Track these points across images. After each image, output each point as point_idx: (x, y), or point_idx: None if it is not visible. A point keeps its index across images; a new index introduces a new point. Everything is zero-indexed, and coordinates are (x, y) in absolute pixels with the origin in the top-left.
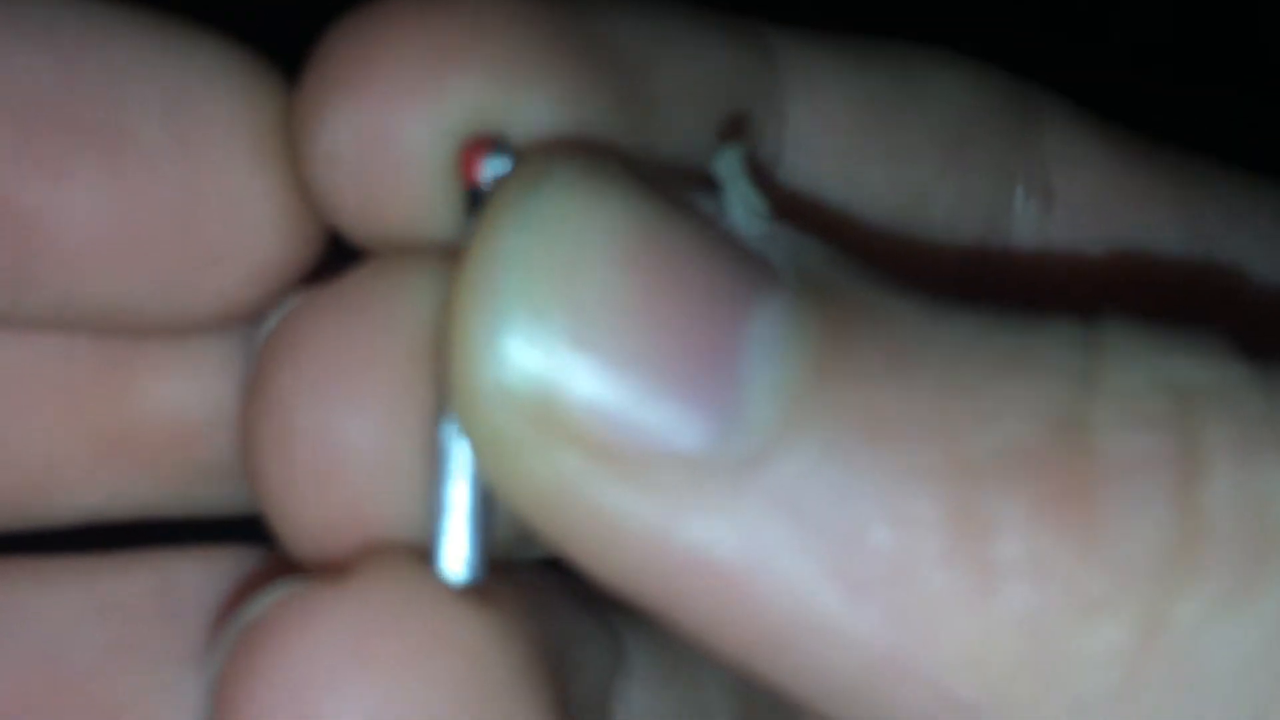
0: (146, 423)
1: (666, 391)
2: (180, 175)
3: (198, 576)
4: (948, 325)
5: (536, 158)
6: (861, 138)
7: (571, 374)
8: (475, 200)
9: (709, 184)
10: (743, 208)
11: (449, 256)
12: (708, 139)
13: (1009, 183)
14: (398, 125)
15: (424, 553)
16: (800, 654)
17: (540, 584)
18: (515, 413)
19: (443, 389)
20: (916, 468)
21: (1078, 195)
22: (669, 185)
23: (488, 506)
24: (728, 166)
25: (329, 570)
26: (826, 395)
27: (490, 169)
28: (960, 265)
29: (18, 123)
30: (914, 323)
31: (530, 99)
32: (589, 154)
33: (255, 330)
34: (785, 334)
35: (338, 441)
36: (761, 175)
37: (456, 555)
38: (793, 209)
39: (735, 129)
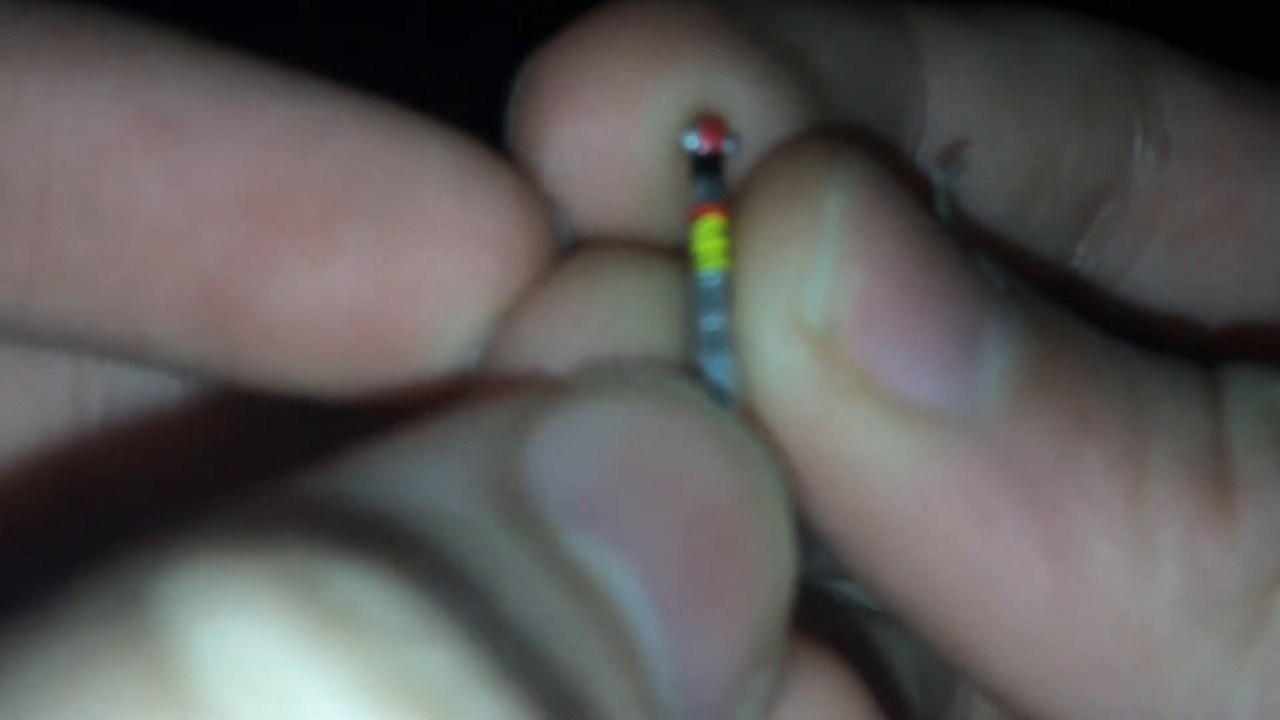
0: None
1: (929, 355)
2: (380, 273)
3: None
4: (1119, 350)
5: (822, 139)
6: (996, 104)
7: (859, 323)
8: (703, 166)
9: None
10: (946, 223)
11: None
12: (859, 116)
13: (1129, 134)
14: (624, 126)
15: None
16: (981, 599)
17: None
18: (805, 339)
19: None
20: (1112, 461)
21: (1192, 141)
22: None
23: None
24: (943, 186)
25: None
26: (1046, 389)
27: (719, 140)
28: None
29: (239, 220)
30: (1098, 345)
31: (739, 89)
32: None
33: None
34: (1012, 333)
35: None
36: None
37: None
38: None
39: (951, 153)
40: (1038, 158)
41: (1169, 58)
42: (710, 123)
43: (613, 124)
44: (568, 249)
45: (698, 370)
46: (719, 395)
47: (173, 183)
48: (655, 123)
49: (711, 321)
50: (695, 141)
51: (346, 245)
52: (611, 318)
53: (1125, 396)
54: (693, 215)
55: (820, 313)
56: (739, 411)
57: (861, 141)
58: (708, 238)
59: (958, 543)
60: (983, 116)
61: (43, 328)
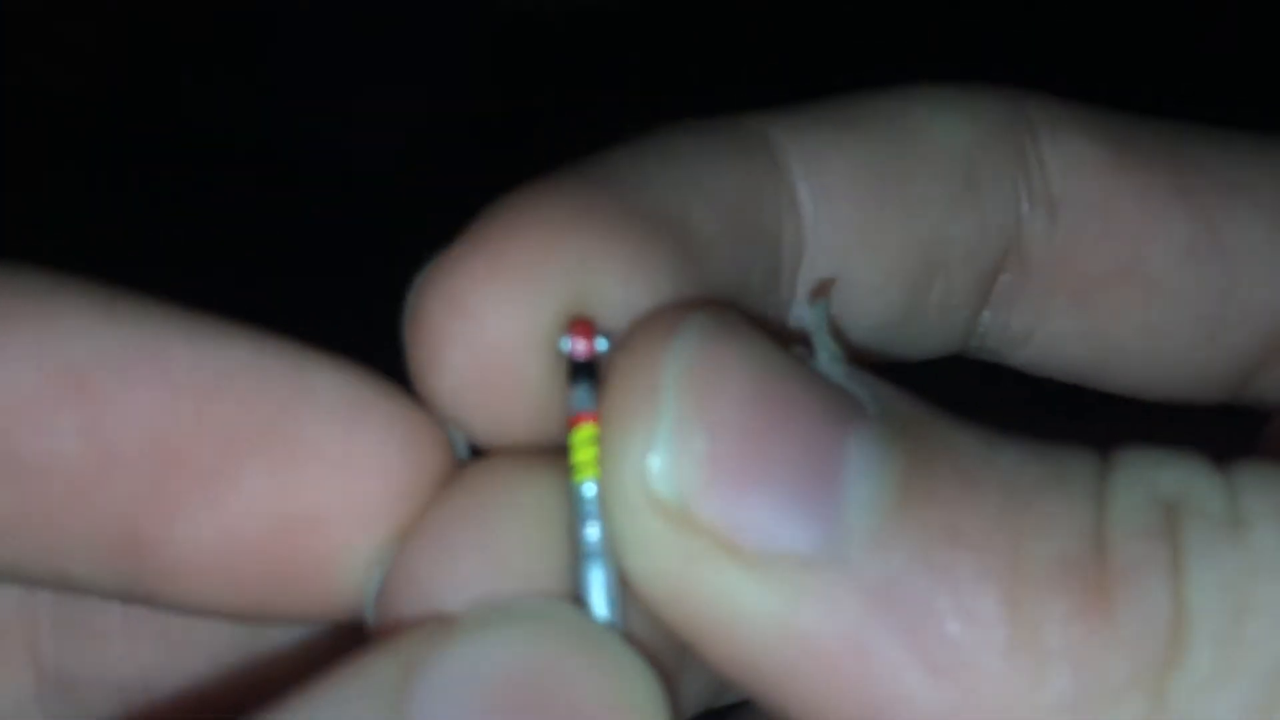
0: None
1: (784, 503)
2: (275, 507)
3: None
4: (998, 453)
5: (668, 311)
6: (874, 205)
7: (708, 487)
8: (576, 372)
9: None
10: (827, 354)
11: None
12: (738, 262)
13: (1015, 203)
14: (506, 336)
15: None
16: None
17: None
18: (660, 514)
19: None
20: (984, 572)
21: (1083, 200)
22: (770, 334)
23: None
24: (814, 320)
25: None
26: (912, 510)
27: (585, 345)
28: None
29: (145, 467)
30: (973, 450)
31: (610, 284)
32: (710, 308)
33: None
34: (876, 457)
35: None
36: (834, 326)
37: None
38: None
39: (821, 290)
40: (926, 246)
41: (1055, 115)
42: (580, 326)
43: (495, 336)
44: (465, 463)
45: (581, 583)
46: (601, 609)
47: (87, 436)
48: (534, 329)
49: (591, 533)
50: (568, 344)
51: (243, 483)
52: (502, 538)
53: (1000, 502)
54: (570, 423)
55: (669, 484)
56: (620, 622)
57: (719, 304)
58: (583, 447)
59: (843, 681)
60: (863, 219)
61: None
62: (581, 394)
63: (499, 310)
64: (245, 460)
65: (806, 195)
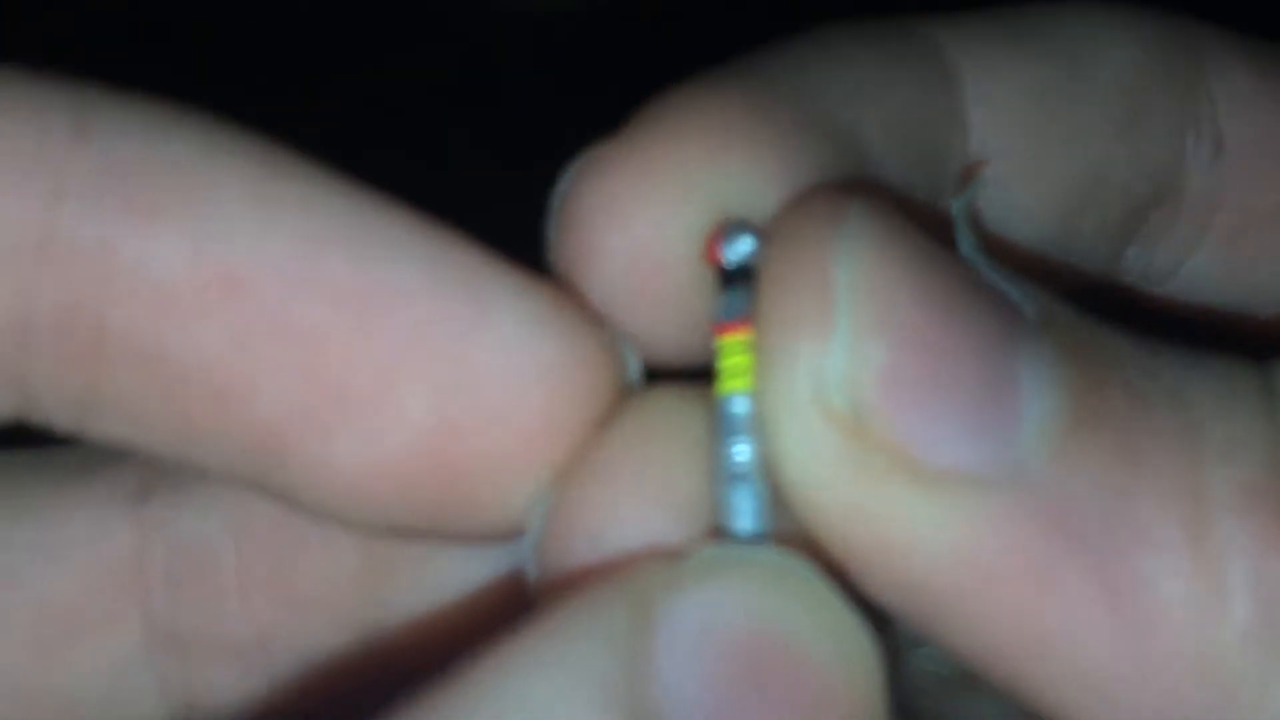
0: None
1: (962, 419)
2: (440, 435)
3: None
4: (1164, 365)
5: (825, 200)
6: (1040, 128)
7: (885, 398)
8: (726, 278)
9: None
10: (968, 244)
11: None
12: (903, 177)
13: (1180, 136)
14: (662, 236)
15: None
16: (1051, 657)
17: None
18: (833, 423)
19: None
20: (1166, 497)
21: (1247, 136)
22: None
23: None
24: (959, 208)
25: None
26: (1088, 430)
27: (738, 249)
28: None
29: (300, 386)
30: (1140, 362)
31: (771, 189)
32: (869, 199)
33: None
34: (1048, 372)
35: None
36: (977, 216)
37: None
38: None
39: (968, 175)
40: (1086, 175)
41: (1221, 46)
42: (733, 230)
43: (649, 238)
44: (634, 387)
45: (726, 507)
46: (747, 535)
47: (237, 345)
48: (690, 232)
49: (740, 450)
50: (719, 252)
51: (405, 408)
52: (676, 476)
53: (1175, 421)
54: (718, 330)
55: (844, 392)
56: (770, 548)
57: (875, 189)
58: (731, 354)
59: (1018, 607)
60: (1028, 145)
61: (102, 442)
62: (733, 300)
63: (655, 211)
64: (410, 384)
65: (976, 114)
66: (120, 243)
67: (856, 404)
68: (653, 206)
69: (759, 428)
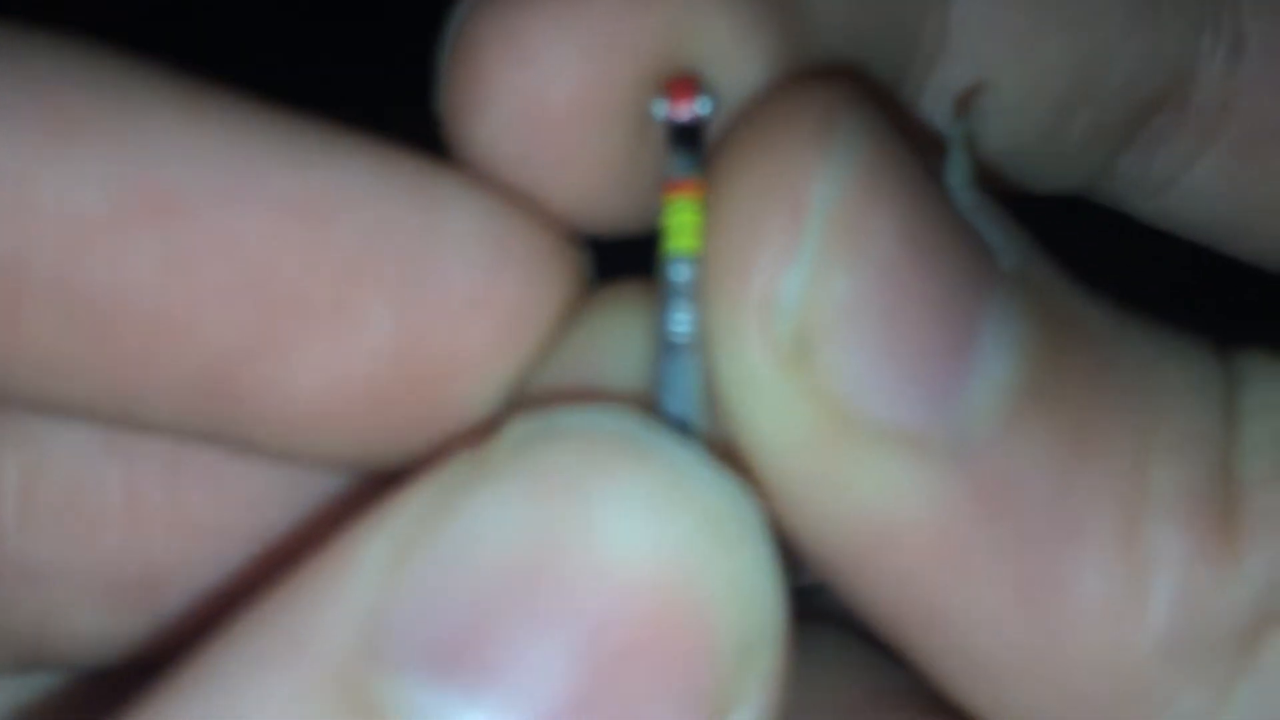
0: None
1: (911, 372)
2: (401, 349)
3: None
4: (1130, 342)
5: (813, 100)
6: (1037, 6)
7: (835, 333)
8: (679, 136)
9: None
10: (960, 176)
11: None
12: (863, 47)
13: (1197, 31)
14: (576, 88)
15: None
16: (957, 629)
17: None
18: (770, 347)
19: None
20: (1106, 490)
21: (1272, 39)
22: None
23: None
24: (955, 135)
25: None
26: (1041, 402)
27: (696, 109)
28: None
29: (246, 306)
30: (1106, 334)
31: (716, 33)
32: (864, 112)
33: None
34: (1010, 332)
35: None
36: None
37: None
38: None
39: (966, 101)
40: (1085, 64)
41: None
42: (683, 84)
43: (559, 89)
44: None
45: (659, 379)
46: (679, 416)
47: (171, 268)
48: (609, 87)
49: (679, 319)
50: (666, 108)
51: (365, 325)
52: (631, 369)
53: (1130, 408)
54: (666, 190)
55: (793, 319)
56: (701, 435)
57: (863, 91)
58: (680, 213)
59: (927, 582)
60: (1020, 22)
61: (31, 408)
62: (683, 160)
63: (567, 56)
64: (368, 291)
65: None
66: (38, 168)
67: (803, 335)
68: (567, 42)
69: (699, 302)
